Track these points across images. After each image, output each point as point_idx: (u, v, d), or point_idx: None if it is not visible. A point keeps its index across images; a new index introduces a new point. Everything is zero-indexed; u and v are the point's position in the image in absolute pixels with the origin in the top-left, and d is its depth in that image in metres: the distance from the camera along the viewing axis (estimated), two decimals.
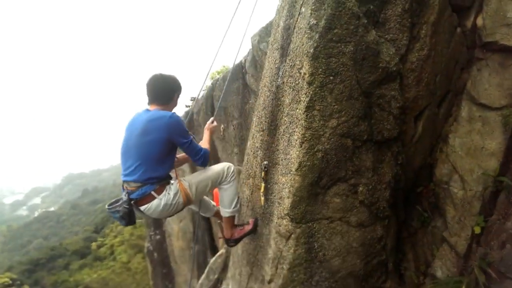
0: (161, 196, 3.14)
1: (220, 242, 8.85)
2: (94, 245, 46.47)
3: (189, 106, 16.11)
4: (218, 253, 6.65)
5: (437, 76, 3.80)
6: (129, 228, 38.17)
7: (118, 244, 39.15)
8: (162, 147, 3.06)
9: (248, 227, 3.94)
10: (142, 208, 3.18)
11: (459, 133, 3.80)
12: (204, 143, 3.50)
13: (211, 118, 3.74)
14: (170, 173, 3.38)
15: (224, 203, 3.71)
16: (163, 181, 3.19)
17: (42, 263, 45.96)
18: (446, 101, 4.02)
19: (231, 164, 3.69)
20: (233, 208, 3.72)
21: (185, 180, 3.39)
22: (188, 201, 3.32)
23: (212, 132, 3.72)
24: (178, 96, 3.39)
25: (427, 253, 3.79)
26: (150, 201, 3.13)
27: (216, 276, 5.85)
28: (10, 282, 40.05)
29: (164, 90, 3.27)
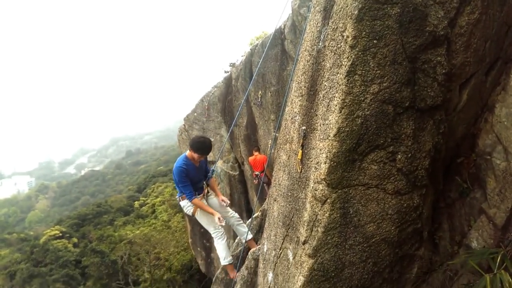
0: (183, 201, 5.56)
1: (256, 205, 9.07)
2: (136, 203, 48.92)
3: (227, 72, 16.16)
4: (254, 215, 6.85)
5: (487, 42, 3.60)
6: (169, 189, 39.73)
7: (159, 204, 41.01)
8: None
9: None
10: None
11: (507, 103, 3.60)
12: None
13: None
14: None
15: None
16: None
17: (89, 218, 49.02)
18: (495, 69, 3.81)
19: (219, 230, 5.51)
20: (224, 260, 5.67)
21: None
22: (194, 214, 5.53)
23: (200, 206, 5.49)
24: (192, 151, 5.17)
25: (463, 224, 3.73)
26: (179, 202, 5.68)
27: (251, 237, 6.07)
28: (60, 234, 43.29)
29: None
